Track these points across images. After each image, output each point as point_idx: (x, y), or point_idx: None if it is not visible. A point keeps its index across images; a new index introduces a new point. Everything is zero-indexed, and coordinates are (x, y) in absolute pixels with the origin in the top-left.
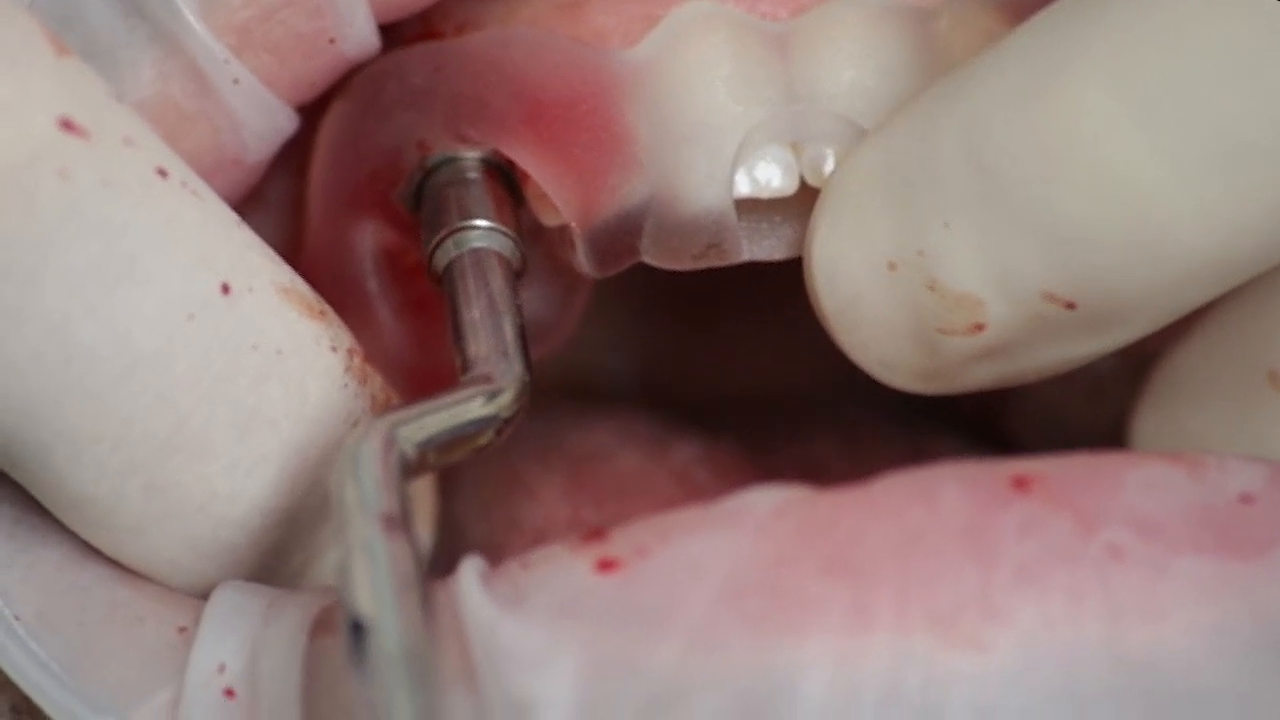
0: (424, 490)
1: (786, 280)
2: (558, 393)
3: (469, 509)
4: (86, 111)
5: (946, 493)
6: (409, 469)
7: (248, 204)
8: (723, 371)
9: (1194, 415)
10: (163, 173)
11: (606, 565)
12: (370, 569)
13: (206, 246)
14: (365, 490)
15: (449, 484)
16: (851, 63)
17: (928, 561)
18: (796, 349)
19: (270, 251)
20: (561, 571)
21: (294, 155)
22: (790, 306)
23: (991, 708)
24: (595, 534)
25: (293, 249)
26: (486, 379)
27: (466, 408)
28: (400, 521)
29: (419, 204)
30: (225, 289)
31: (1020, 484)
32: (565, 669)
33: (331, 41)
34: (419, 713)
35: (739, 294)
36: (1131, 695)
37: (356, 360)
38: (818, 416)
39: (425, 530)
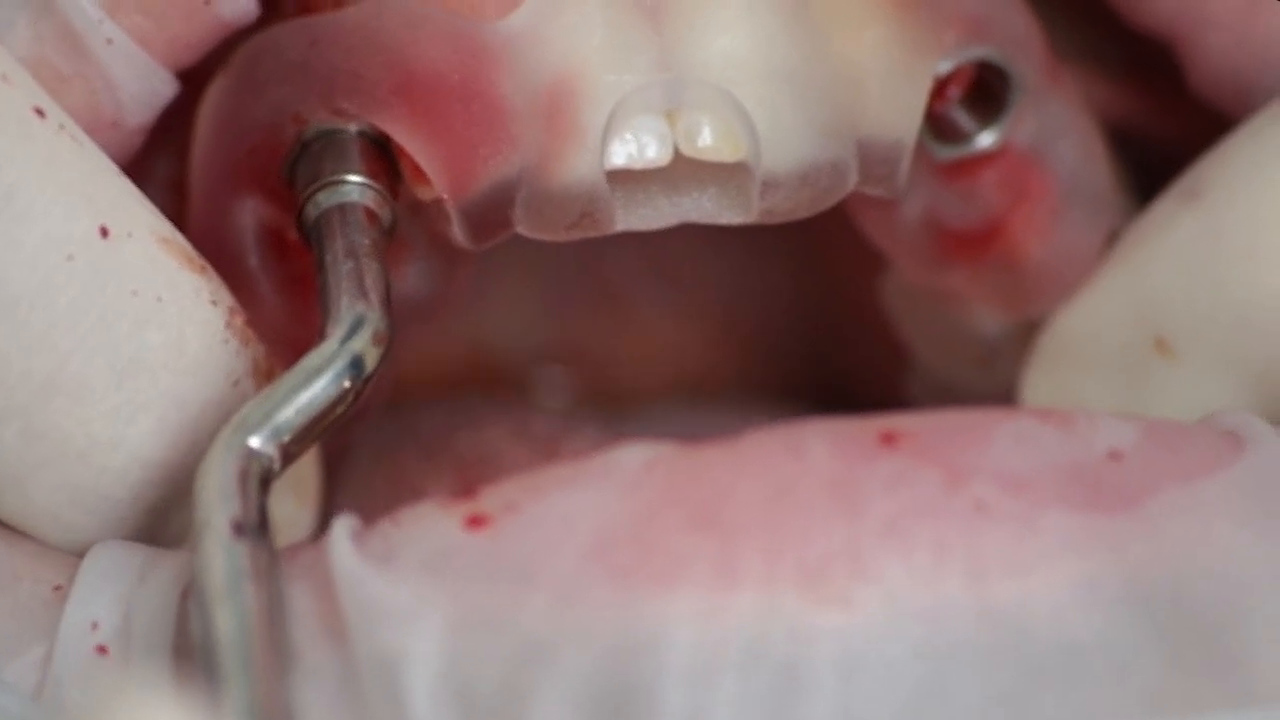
0: (307, 468)
1: (693, 262)
2: (461, 375)
3: (354, 508)
4: None
5: (814, 447)
6: (270, 468)
7: (135, 180)
8: (628, 357)
9: (1082, 381)
10: (40, 112)
11: (476, 522)
12: (213, 571)
13: (85, 188)
14: (215, 497)
15: (335, 480)
16: (724, 30)
17: (795, 515)
18: (702, 339)
19: (150, 204)
20: (431, 528)
21: (180, 133)
22: (698, 293)
23: (855, 663)
24: (466, 491)
25: (180, 227)
26: (342, 336)
27: (320, 382)
28: (251, 524)
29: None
30: (104, 232)
31: (888, 439)
32: (433, 624)
33: (206, 3)
34: (251, 699)
35: (648, 276)
36: (997, 649)
37: (238, 320)
38: (722, 408)
39: (309, 507)
